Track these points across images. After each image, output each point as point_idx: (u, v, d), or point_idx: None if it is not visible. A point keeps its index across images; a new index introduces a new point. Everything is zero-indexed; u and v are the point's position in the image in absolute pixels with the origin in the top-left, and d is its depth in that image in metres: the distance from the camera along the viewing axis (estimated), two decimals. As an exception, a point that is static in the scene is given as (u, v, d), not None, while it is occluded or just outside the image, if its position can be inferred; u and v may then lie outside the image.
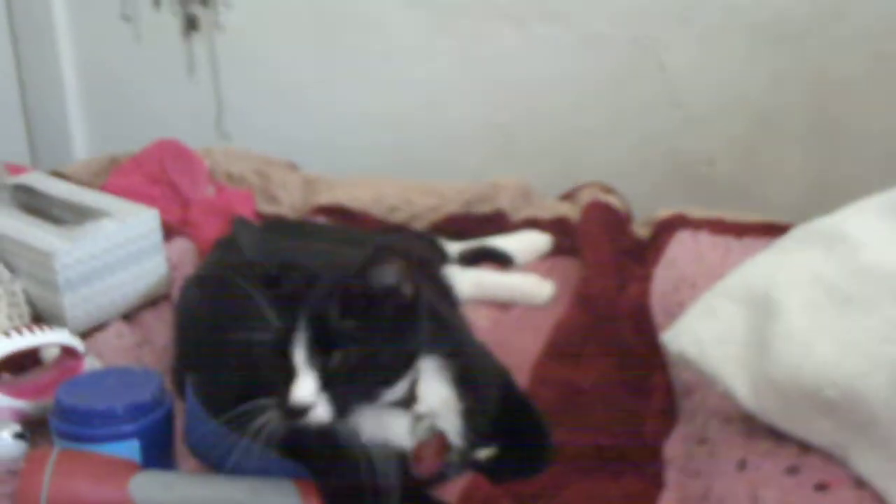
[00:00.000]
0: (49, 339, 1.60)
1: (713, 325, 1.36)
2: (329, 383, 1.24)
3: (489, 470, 1.43)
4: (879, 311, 1.22)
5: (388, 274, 1.27)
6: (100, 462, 1.38)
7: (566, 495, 1.38)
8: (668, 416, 1.52)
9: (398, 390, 1.31)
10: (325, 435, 1.29)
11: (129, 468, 1.38)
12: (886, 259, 1.28)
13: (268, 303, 1.26)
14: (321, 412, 1.25)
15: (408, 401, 1.34)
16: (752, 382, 1.30)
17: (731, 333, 1.33)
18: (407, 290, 1.29)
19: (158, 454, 1.45)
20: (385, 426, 1.34)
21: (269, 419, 1.28)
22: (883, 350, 1.19)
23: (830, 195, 2.31)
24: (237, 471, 1.39)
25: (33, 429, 1.53)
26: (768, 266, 1.37)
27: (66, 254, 1.79)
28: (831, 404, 1.21)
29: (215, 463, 1.44)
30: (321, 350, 1.24)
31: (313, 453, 1.34)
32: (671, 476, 1.39)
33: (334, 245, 1.65)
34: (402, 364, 1.30)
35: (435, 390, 1.36)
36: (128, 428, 1.42)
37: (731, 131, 2.47)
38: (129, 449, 1.42)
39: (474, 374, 1.42)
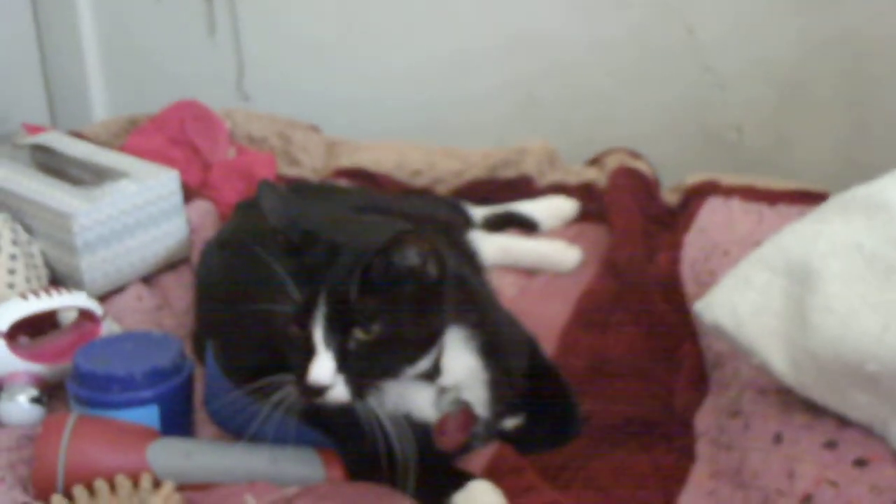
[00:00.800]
0: (67, 301, 1.57)
1: (749, 296, 1.31)
2: (347, 363, 1.21)
3: (515, 440, 1.40)
4: (923, 282, 1.18)
5: (411, 255, 1.23)
6: (117, 428, 1.36)
7: (594, 467, 1.35)
8: (699, 387, 1.49)
9: (422, 366, 1.28)
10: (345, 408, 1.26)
11: (148, 435, 1.36)
12: (932, 228, 1.23)
13: (289, 274, 1.22)
14: (339, 392, 1.22)
15: (432, 374, 1.31)
16: (789, 355, 1.26)
17: (768, 304, 1.29)
18: (432, 270, 1.26)
19: (177, 421, 1.43)
20: (408, 399, 1.31)
21: (288, 394, 1.25)
22: (928, 322, 1.15)
23: (861, 163, 2.28)
24: (258, 439, 1.37)
25: (50, 393, 1.50)
26: (806, 235, 1.33)
27: (84, 215, 1.75)
28: (873, 378, 1.17)
29: (235, 430, 1.41)
30: (340, 328, 1.21)
31: (334, 424, 1.31)
32: (703, 448, 1.35)
33: (359, 211, 1.62)
34: (424, 343, 1.27)
35: (460, 362, 1.33)
36: (146, 394, 1.40)
37: (760, 96, 2.41)
38: (148, 415, 1.39)
39: (501, 343, 1.39)
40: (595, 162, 2.22)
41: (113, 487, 1.28)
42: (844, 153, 2.38)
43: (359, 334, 1.21)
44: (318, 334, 1.21)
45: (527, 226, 1.99)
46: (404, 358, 1.25)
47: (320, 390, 1.21)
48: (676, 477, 1.32)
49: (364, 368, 1.22)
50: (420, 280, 1.24)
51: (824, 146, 2.41)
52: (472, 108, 2.56)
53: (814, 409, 1.26)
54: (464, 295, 1.35)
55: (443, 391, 1.32)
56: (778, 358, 1.27)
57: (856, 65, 2.33)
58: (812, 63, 2.36)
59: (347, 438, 1.32)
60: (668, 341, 1.61)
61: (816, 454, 1.20)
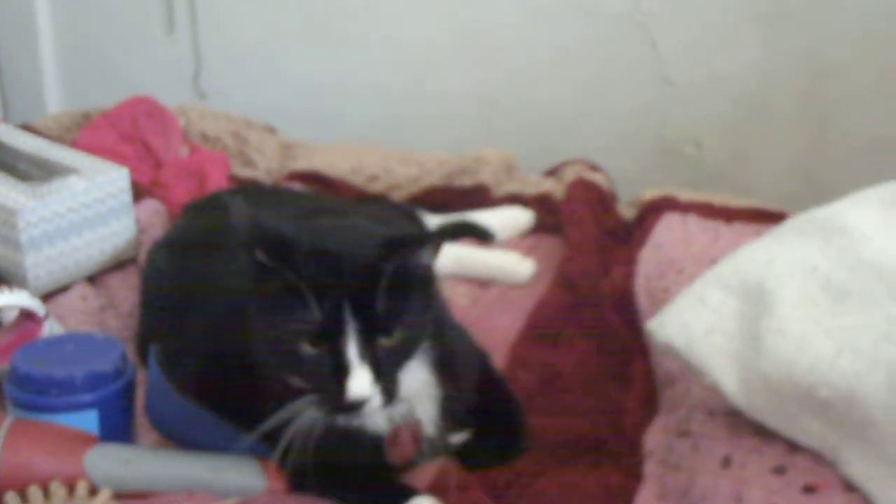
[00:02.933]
0: (7, 300, 1.53)
1: (702, 315, 1.30)
2: (378, 371, 1.19)
3: (462, 456, 1.37)
4: (879, 308, 1.17)
5: (426, 255, 1.23)
6: (55, 433, 1.33)
7: (541, 485, 1.33)
8: (649, 406, 1.47)
9: None
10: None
11: (86, 441, 1.33)
12: (888, 254, 1.22)
13: (305, 289, 1.17)
14: (376, 402, 1.20)
15: None
16: (740, 377, 1.24)
17: (721, 324, 1.28)
18: (434, 267, 1.26)
19: (118, 427, 1.39)
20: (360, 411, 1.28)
21: (312, 416, 1.22)
22: (882, 350, 1.13)
23: (818, 180, 2.30)
24: (199, 446, 1.34)
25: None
26: (762, 255, 1.31)
27: (30, 211, 1.71)
28: (825, 404, 1.15)
29: (177, 437, 1.38)
30: (370, 339, 1.18)
31: (277, 434, 1.28)
32: (651, 469, 1.34)
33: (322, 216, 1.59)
34: (423, 339, 1.26)
35: (414, 374, 1.29)
36: (86, 398, 1.36)
37: (720, 111, 2.41)
38: (87, 420, 1.36)
39: (454, 359, 1.36)
40: (553, 173, 2.20)
41: (47, 494, 1.24)
42: (802, 171, 2.39)
43: (385, 341, 1.19)
44: (352, 349, 1.17)
45: (482, 236, 1.96)
46: (413, 351, 1.25)
47: (358, 405, 1.19)
48: (623, 497, 1.30)
49: (389, 373, 1.21)
50: (427, 275, 1.24)
51: (782, 163, 2.41)
52: (430, 114, 2.55)
53: (764, 433, 1.24)
54: None
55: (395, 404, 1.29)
56: (729, 379, 1.25)
57: (815, 84, 2.34)
58: (772, 81, 2.36)
59: (290, 449, 1.28)
60: (620, 357, 1.59)
61: (765, 479, 1.18)
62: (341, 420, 1.23)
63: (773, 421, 1.22)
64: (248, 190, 1.97)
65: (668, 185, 2.10)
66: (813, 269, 1.24)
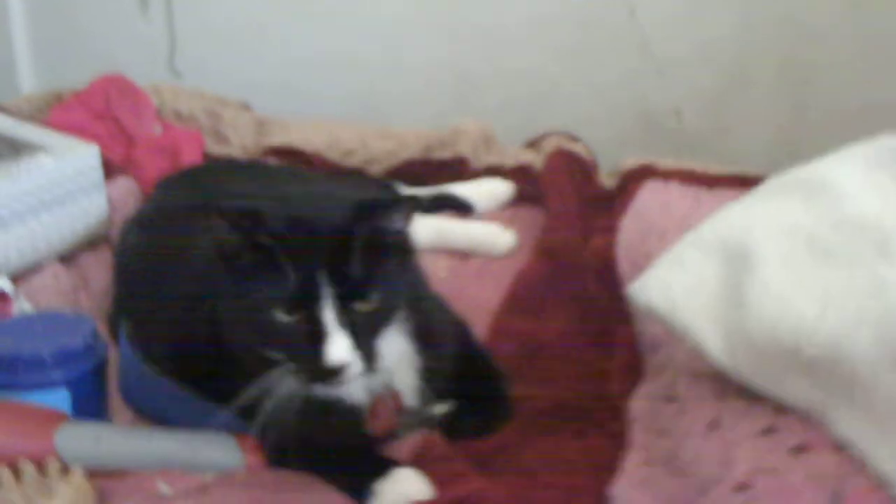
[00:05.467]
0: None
1: (684, 277, 1.27)
2: (356, 336, 1.16)
3: (444, 427, 1.34)
4: (864, 265, 1.15)
5: (399, 219, 1.21)
6: (24, 412, 1.30)
7: (526, 455, 1.30)
8: (633, 372, 1.45)
9: None
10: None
11: (56, 419, 1.29)
12: (871, 211, 1.20)
13: (280, 259, 1.15)
14: (356, 368, 1.17)
15: None
16: (725, 338, 1.22)
17: (703, 286, 1.25)
18: (408, 229, 1.24)
19: (90, 405, 1.36)
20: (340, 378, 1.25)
21: (290, 386, 1.19)
22: (867, 306, 1.11)
23: (800, 148, 2.24)
24: (175, 423, 1.31)
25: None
26: (743, 216, 1.29)
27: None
28: (811, 363, 1.13)
29: (152, 415, 1.35)
30: (346, 304, 1.16)
31: (254, 408, 1.25)
32: (636, 435, 1.31)
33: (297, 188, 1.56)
34: (401, 303, 1.24)
35: (393, 345, 1.27)
36: (56, 376, 1.33)
37: (700, 81, 2.38)
38: (58, 399, 1.32)
39: (432, 329, 1.34)
40: (532, 145, 2.17)
41: (17, 474, 1.21)
42: (783, 139, 2.36)
43: (361, 306, 1.17)
44: (329, 314, 1.15)
45: (461, 208, 1.93)
46: (392, 317, 1.23)
47: (339, 371, 1.16)
48: (609, 464, 1.28)
49: (367, 339, 1.18)
50: (402, 241, 1.23)
51: (763, 131, 2.38)
52: (406, 88, 2.50)
53: (750, 395, 1.22)
54: None
55: (374, 373, 1.26)
56: (713, 341, 1.23)
57: (794, 51, 2.30)
58: (752, 48, 2.33)
59: (269, 423, 1.25)
60: (603, 325, 1.56)
61: (753, 441, 1.16)
62: (321, 389, 1.20)
63: (759, 382, 1.20)
64: (220, 165, 1.94)
65: (649, 154, 2.07)
66: (795, 228, 1.22)
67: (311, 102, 2.51)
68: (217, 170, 1.85)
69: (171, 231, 1.48)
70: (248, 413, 1.23)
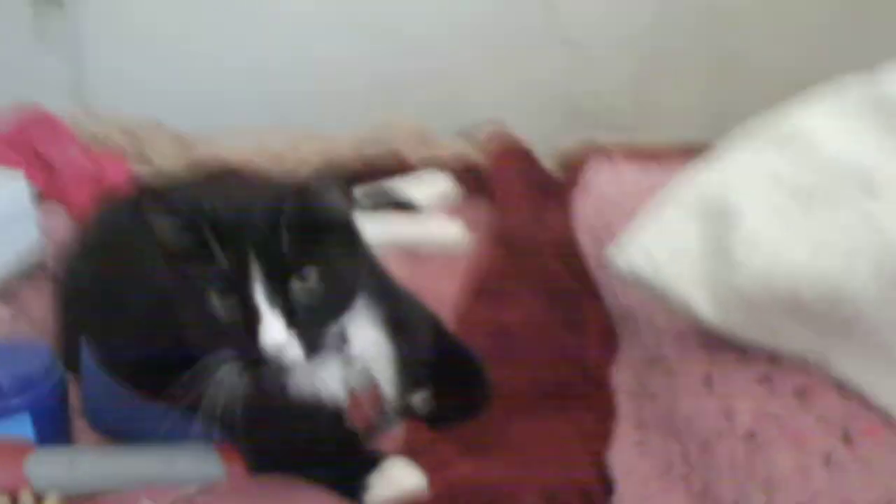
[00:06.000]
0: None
1: (665, 239, 1.26)
2: (294, 318, 1.12)
3: (426, 416, 1.31)
4: (850, 204, 1.14)
5: (330, 195, 1.16)
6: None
7: (512, 434, 1.27)
8: (609, 344, 1.44)
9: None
10: (255, 391, 1.16)
11: (23, 448, 1.22)
12: (848, 150, 1.19)
13: (209, 242, 1.11)
14: (294, 351, 1.12)
15: (338, 345, 1.21)
16: (713, 295, 1.20)
17: (686, 246, 1.24)
18: (346, 208, 1.19)
19: (53, 430, 1.29)
20: (315, 375, 1.21)
21: (226, 375, 1.13)
22: (861, 242, 1.10)
23: (728, 131, 2.28)
24: (148, 439, 1.25)
25: None
26: (720, 172, 1.28)
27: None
28: (808, 307, 1.12)
29: (122, 434, 1.29)
30: (277, 285, 1.11)
31: (230, 415, 1.20)
32: (623, 403, 1.29)
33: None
34: (355, 284, 1.20)
35: (366, 334, 1.24)
36: (16, 402, 1.25)
37: (623, 69, 2.40)
38: (20, 426, 1.25)
39: (405, 318, 1.30)
40: (466, 136, 2.14)
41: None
42: (711, 123, 2.36)
43: (297, 286, 1.12)
44: (259, 295, 1.10)
45: (403, 206, 1.89)
46: (342, 302, 1.18)
47: (273, 354, 1.10)
48: (599, 434, 1.26)
49: (309, 321, 1.13)
50: (339, 220, 1.18)
51: (690, 116, 2.41)
52: (328, 94, 2.46)
53: (741, 349, 1.21)
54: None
55: (349, 365, 1.22)
56: (701, 300, 1.21)
57: (714, 37, 2.34)
58: (672, 35, 2.36)
59: (247, 430, 1.21)
60: (569, 304, 1.54)
61: (753, 391, 1.14)
62: (251, 375, 1.14)
63: (752, 335, 1.19)
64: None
65: (568, 135, 2.06)
66: (775, 177, 1.21)
67: (228, 117, 2.45)
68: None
69: (124, 247, 1.42)
70: (224, 420, 1.18)
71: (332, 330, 1.18)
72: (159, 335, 1.23)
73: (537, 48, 2.39)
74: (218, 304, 1.12)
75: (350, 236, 1.22)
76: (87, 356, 1.31)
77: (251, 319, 1.11)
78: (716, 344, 1.23)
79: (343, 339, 1.21)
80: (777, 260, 1.14)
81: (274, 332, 1.10)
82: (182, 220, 1.13)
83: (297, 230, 1.12)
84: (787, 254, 1.14)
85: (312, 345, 1.14)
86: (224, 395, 1.14)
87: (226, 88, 2.51)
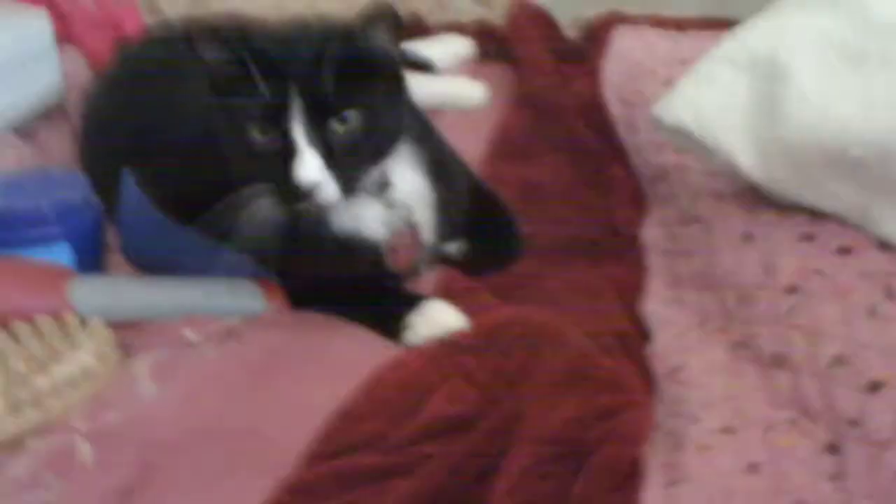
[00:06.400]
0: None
1: (713, 93, 1.26)
2: (331, 158, 1.12)
3: (462, 264, 1.32)
4: (902, 65, 1.15)
5: (379, 36, 1.15)
6: (31, 267, 1.24)
7: (546, 284, 1.30)
8: (636, 205, 1.45)
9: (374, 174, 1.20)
10: (295, 225, 1.17)
11: (64, 273, 1.24)
12: (898, 14, 1.20)
13: (253, 74, 1.11)
14: (329, 190, 1.12)
15: (381, 187, 1.22)
16: (759, 150, 1.21)
17: (734, 101, 1.24)
18: (395, 50, 1.19)
19: (91, 260, 1.31)
20: (358, 216, 1.22)
21: (261, 208, 1.14)
22: (913, 99, 1.11)
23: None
24: (189, 272, 1.26)
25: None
26: (768, 30, 1.27)
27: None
28: (856, 164, 1.13)
29: (161, 267, 1.29)
30: (318, 123, 1.11)
31: (273, 249, 1.21)
32: (654, 260, 1.31)
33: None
34: (397, 130, 1.19)
35: (408, 178, 1.25)
36: (57, 230, 1.27)
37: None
38: (60, 253, 1.27)
39: (445, 163, 1.32)
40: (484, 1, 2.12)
41: (36, 329, 1.15)
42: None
43: (337, 126, 1.12)
44: (298, 131, 1.10)
45: (421, 68, 1.88)
46: (383, 146, 1.18)
47: (308, 191, 1.11)
48: (631, 287, 1.28)
49: (347, 162, 1.13)
50: (385, 63, 1.17)
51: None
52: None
53: (781, 207, 1.23)
54: (408, 110, 1.27)
55: (392, 207, 1.23)
56: (746, 154, 1.22)
57: None
58: None
59: (289, 264, 1.22)
60: (594, 165, 1.56)
61: (794, 246, 1.17)
62: (286, 210, 1.15)
63: (795, 191, 1.20)
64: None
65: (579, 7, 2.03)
66: (825, 36, 1.21)
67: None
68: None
69: (157, 82, 1.41)
70: (265, 254, 1.20)
71: (373, 172, 1.19)
72: (199, 164, 1.24)
73: None
74: (258, 136, 1.12)
75: (395, 80, 1.21)
76: (128, 188, 1.30)
77: (288, 154, 1.11)
78: (755, 202, 1.25)
79: (385, 182, 1.22)
80: (826, 114, 1.16)
81: (310, 168, 1.11)
82: (230, 51, 1.13)
83: (342, 70, 1.12)
84: (837, 108, 1.15)
85: (349, 185, 1.14)
86: (259, 228, 1.14)
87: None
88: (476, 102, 1.76)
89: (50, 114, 1.72)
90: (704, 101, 1.26)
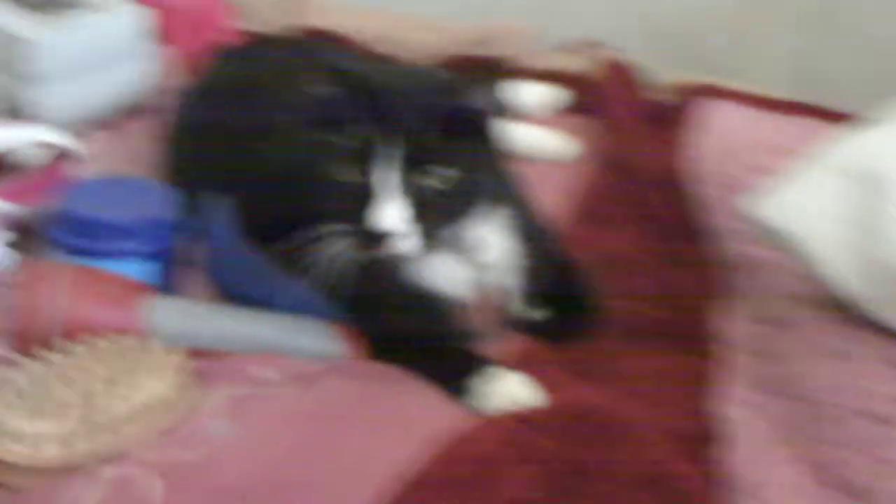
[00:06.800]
0: (39, 135, 1.40)
1: (816, 202, 1.23)
2: (419, 210, 1.11)
3: (538, 331, 1.30)
4: None
5: (480, 95, 1.16)
6: (112, 281, 1.22)
7: (620, 365, 1.27)
8: (710, 290, 1.42)
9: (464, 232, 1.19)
10: (384, 275, 1.17)
11: (142, 290, 1.22)
12: None
13: (360, 114, 1.12)
14: (409, 242, 1.12)
15: (465, 244, 1.21)
16: (858, 267, 1.19)
17: (837, 211, 1.21)
18: (492, 113, 1.18)
19: (174, 279, 1.30)
20: (437, 270, 1.21)
21: (341, 249, 1.13)
22: None
23: (819, 83, 2.24)
24: (269, 306, 1.24)
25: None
26: (876, 142, 1.24)
27: (48, 43, 1.57)
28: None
29: (241, 294, 1.28)
30: (413, 173, 1.11)
31: (359, 295, 1.20)
32: (739, 358, 1.28)
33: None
34: (485, 192, 1.19)
35: (497, 239, 1.24)
36: (139, 245, 1.26)
37: (720, 4, 2.33)
38: (141, 270, 1.26)
39: (533, 228, 1.30)
40: (569, 51, 2.09)
41: (113, 346, 1.14)
42: (803, 71, 2.33)
43: (433, 180, 1.12)
44: (390, 177, 1.10)
45: (511, 111, 1.85)
46: (472, 206, 1.18)
47: (387, 238, 1.10)
48: (704, 378, 1.25)
49: (433, 216, 1.13)
50: (484, 123, 1.17)
51: (783, 62, 2.35)
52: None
53: (880, 327, 1.20)
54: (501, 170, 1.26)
55: (474, 266, 1.22)
56: (845, 268, 1.20)
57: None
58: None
59: (362, 309, 1.21)
60: (674, 241, 1.53)
61: (891, 374, 1.14)
62: (363, 254, 1.14)
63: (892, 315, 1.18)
64: (287, 40, 1.84)
65: (663, 70, 2.01)
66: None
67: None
68: (286, 43, 1.75)
69: (259, 96, 1.41)
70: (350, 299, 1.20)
71: (459, 228, 1.18)
72: (285, 193, 1.23)
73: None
74: (348, 175, 1.13)
75: (491, 141, 1.21)
76: (219, 209, 1.29)
77: (374, 198, 1.11)
78: (853, 318, 1.22)
79: (470, 239, 1.21)
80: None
81: (395, 215, 1.10)
82: (342, 88, 1.14)
83: (448, 126, 1.13)
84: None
85: (431, 240, 1.14)
86: (336, 268, 1.15)
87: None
88: (567, 158, 1.73)
89: (138, 108, 1.71)
90: (800, 206, 1.23)
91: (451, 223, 1.16)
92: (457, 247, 1.20)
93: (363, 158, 1.11)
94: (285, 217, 1.20)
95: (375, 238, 1.11)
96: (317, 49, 1.65)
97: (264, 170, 1.29)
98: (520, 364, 1.22)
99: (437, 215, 1.13)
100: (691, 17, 2.36)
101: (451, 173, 1.13)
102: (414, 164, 1.11)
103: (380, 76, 1.18)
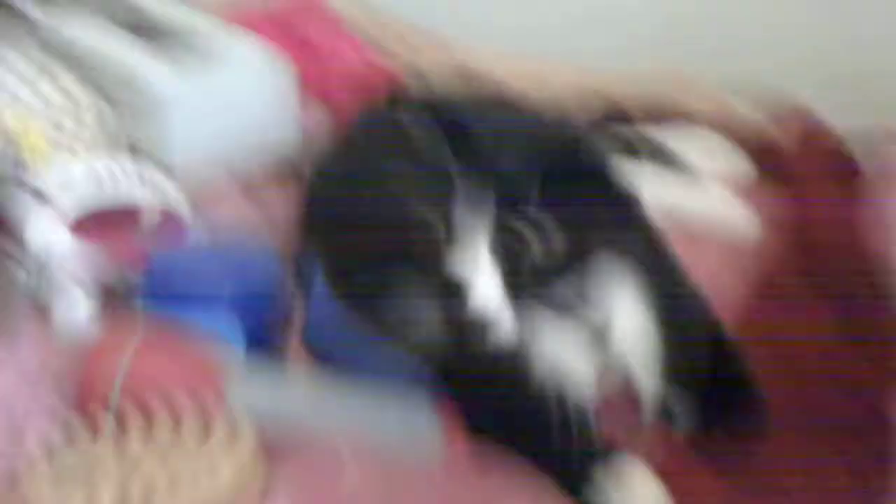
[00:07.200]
0: (152, 198, 1.31)
1: None
2: (516, 287, 0.95)
3: (685, 430, 1.11)
4: None
5: (599, 148, 1.07)
6: (189, 352, 1.11)
7: (779, 470, 1.08)
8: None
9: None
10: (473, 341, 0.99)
11: (226, 364, 1.10)
12: None
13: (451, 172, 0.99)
14: (505, 328, 0.95)
15: (588, 318, 1.04)
16: None
17: None
18: (614, 166, 1.04)
19: (264, 349, 1.17)
20: (556, 345, 1.03)
21: (424, 329, 0.99)
22: None
23: None
24: (362, 372, 1.10)
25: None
26: None
27: (184, 93, 1.49)
28: None
29: (341, 370, 1.14)
30: (509, 242, 0.95)
31: (464, 372, 1.03)
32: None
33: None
34: (608, 253, 1.03)
35: (626, 310, 1.06)
36: (233, 313, 1.15)
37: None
38: (232, 338, 1.14)
39: (680, 305, 1.11)
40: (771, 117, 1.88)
41: (177, 424, 1.02)
42: None
43: (534, 252, 0.97)
44: (482, 248, 0.95)
45: (679, 170, 1.64)
46: (587, 266, 1.02)
47: (480, 324, 0.95)
48: (879, 486, 1.06)
49: (534, 296, 0.97)
50: (604, 177, 1.03)
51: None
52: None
53: None
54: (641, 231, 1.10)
55: (598, 335, 1.04)
56: None
57: None
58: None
59: (454, 375, 1.04)
60: (861, 320, 1.31)
61: None
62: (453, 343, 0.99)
63: None
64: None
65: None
66: None
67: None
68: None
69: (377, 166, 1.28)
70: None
71: (568, 292, 1.02)
72: (386, 267, 1.09)
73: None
74: (436, 222, 0.99)
75: (615, 192, 1.05)
76: (319, 275, 1.17)
77: (456, 243, 0.97)
78: None
79: (588, 308, 1.04)
80: None
81: (488, 295, 0.96)
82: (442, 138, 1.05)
83: (555, 183, 0.98)
84: None
85: (529, 325, 0.98)
86: (431, 337, 1.00)
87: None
88: (743, 229, 1.51)
89: (280, 169, 1.61)
90: None
91: (554, 283, 1.00)
92: (570, 315, 1.03)
93: (444, 195, 0.98)
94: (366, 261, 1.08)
95: (462, 323, 0.96)
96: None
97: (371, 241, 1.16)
98: (658, 469, 1.05)
99: (535, 293, 0.98)
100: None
101: (555, 243, 0.97)
102: (509, 233, 0.96)
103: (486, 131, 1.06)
